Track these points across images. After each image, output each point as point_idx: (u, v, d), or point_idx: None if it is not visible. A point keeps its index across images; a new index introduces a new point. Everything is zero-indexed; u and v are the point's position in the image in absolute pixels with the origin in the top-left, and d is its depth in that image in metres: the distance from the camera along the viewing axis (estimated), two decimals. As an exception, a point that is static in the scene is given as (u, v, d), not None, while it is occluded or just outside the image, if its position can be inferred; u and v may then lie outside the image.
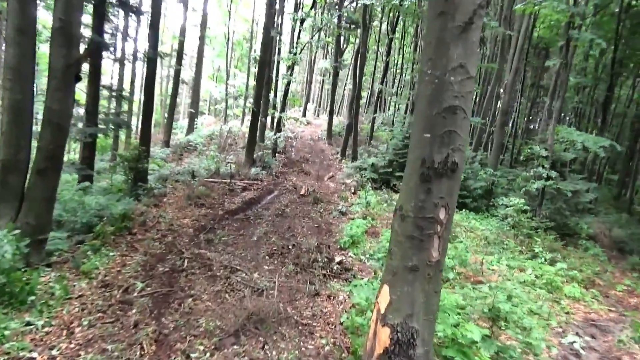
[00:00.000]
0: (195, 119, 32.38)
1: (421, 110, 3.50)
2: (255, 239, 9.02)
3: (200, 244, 8.33)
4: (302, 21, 21.19)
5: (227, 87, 34.96)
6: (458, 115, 3.36)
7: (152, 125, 39.28)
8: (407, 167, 3.71)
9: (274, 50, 22.96)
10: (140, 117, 14.47)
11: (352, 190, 15.92)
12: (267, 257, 7.72)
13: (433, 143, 3.38)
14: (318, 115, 47.11)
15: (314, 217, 11.75)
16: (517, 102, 20.60)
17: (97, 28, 12.47)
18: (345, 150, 24.14)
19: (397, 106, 28.69)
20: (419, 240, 3.43)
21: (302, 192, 15.04)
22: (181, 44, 22.89)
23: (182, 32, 22.90)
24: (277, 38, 22.63)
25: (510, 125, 22.26)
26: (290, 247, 8.32)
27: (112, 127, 13.17)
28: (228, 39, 38.23)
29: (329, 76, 50.16)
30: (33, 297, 4.86)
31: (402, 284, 3.47)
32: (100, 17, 12.55)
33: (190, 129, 29.76)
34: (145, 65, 13.73)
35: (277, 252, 7.95)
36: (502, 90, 17.69)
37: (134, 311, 5.06)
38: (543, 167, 13.13)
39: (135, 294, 5.59)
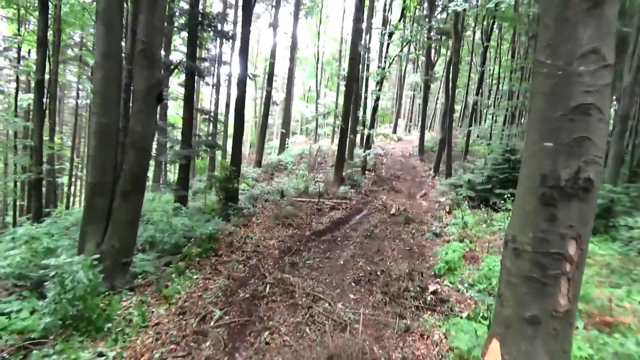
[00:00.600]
0: (287, 139, 33.06)
1: (539, 113, 2.70)
2: (341, 262, 8.46)
3: (284, 268, 7.96)
4: (391, 35, 20.64)
5: (317, 106, 35.32)
6: (592, 116, 2.51)
7: (246, 146, 40.94)
8: (520, 186, 2.92)
9: (361, 66, 22.60)
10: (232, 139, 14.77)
11: (447, 210, 14.78)
12: (353, 283, 7.10)
13: (557, 154, 2.56)
14: (409, 131, 45.91)
15: (405, 239, 10.92)
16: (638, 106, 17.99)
17: (191, 54, 12.96)
18: (439, 166, 22.88)
19: (494, 118, 26.73)
20: (541, 284, 2.59)
21: (393, 211, 14.27)
22: (272, 65, 23.44)
23: (273, 55, 23.47)
24: (365, 54, 22.27)
25: (628, 132, 19.54)
26: (378, 272, 7.62)
27: (205, 148, 13.55)
28: (318, 59, 38.85)
29: (420, 90, 48.90)
30: (110, 324, 4.74)
31: (519, 341, 2.64)
32: (193, 43, 13.04)
33: (282, 148, 30.32)
34: (236, 87, 14.03)
35: (364, 278, 7.29)
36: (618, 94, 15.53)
37: (207, 344, 4.73)
38: (681, 181, 11.07)
39: (212, 324, 5.28)
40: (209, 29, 13.62)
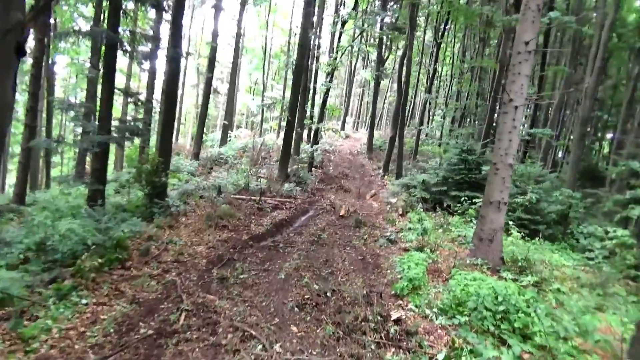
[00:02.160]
0: (230, 131, 31.01)
1: None
2: (282, 277, 6.93)
3: (210, 285, 6.31)
4: (343, 24, 19.34)
5: (263, 99, 33.51)
6: None
7: (187, 138, 38.35)
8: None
9: (311, 56, 21.12)
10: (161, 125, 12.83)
11: (400, 212, 13.65)
12: (296, 308, 5.57)
13: None
14: (357, 129, 45.11)
15: (357, 246, 9.57)
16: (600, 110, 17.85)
17: (113, 24, 10.93)
18: (388, 165, 21.90)
19: (445, 117, 26.22)
20: None
21: (342, 212, 12.92)
22: (213, 50, 21.43)
23: (214, 38, 21.44)
24: (316, 42, 20.81)
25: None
26: (328, 293, 6.15)
27: (127, 136, 11.54)
28: (265, 50, 36.96)
29: (369, 87, 48.24)
30: None
31: None
32: (115, 12, 11.01)
33: (224, 141, 28.31)
34: (167, 66, 12.12)
35: (311, 301, 5.79)
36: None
37: None
38: (645, 187, 10.55)
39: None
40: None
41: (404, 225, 11.79)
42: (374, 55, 44.28)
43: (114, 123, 11.63)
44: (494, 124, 21.89)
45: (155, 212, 11.36)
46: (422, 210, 13.32)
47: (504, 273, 7.70)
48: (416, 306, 5.92)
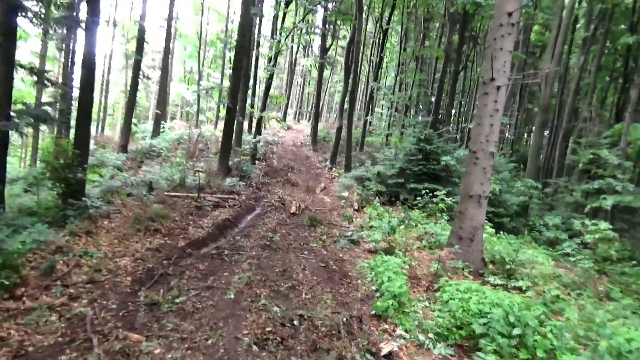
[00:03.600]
0: (163, 122, 28.48)
1: None
2: (232, 296, 5.46)
3: (134, 316, 4.72)
4: (288, 3, 17.83)
5: (199, 88, 31.18)
6: None
7: (115, 130, 35.10)
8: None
9: (252, 41, 19.42)
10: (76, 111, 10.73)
11: (355, 207, 12.51)
12: (254, 347, 4.13)
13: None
14: (298, 121, 43.74)
15: (316, 249, 8.25)
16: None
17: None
18: (335, 157, 20.79)
19: (393, 107, 25.48)
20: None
21: (293, 209, 11.56)
22: (142, 30, 19.16)
23: (143, 17, 19.18)
24: (257, 21, 19.14)
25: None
26: (295, 321, 4.75)
27: (31, 122, 9.42)
28: (200, 35, 34.53)
29: (310, 77, 46.98)
30: None
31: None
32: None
33: (156, 132, 25.89)
34: (84, 39, 10.06)
35: (274, 335, 4.35)
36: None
37: None
38: (614, 177, 10.08)
39: None
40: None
41: (363, 222, 10.64)
42: (315, 45, 43.16)
43: (16, 108, 9.48)
44: (440, 113, 21.42)
45: (70, 216, 9.39)
46: (378, 204, 12.26)
47: (489, 277, 6.73)
48: (406, 331, 4.70)
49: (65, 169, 9.78)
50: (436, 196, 11.71)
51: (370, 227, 9.99)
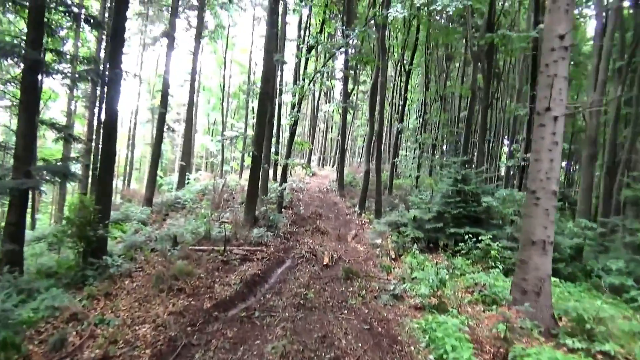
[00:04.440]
0: (187, 173, 28.42)
1: None
2: (266, 373, 4.63)
3: (152, 404, 3.94)
4: (310, 49, 17.73)
5: (223, 137, 31.33)
6: None
7: (142, 184, 35.26)
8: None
9: (275, 87, 19.30)
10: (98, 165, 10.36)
11: (392, 255, 11.59)
12: None
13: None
14: (323, 166, 43.38)
15: (357, 308, 7.35)
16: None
17: (33, 39, 8.74)
18: (365, 202, 20.00)
19: (420, 147, 24.81)
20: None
21: (325, 261, 10.72)
22: (166, 83, 19.28)
23: (167, 71, 19.36)
24: (280, 70, 19.06)
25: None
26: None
27: (51, 178, 9.04)
28: (223, 87, 35.14)
29: (332, 122, 47.04)
30: None
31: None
32: (37, 27, 8.83)
33: (181, 184, 25.73)
34: (106, 91, 9.87)
35: None
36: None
37: None
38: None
39: None
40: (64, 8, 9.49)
41: (403, 272, 9.70)
42: (337, 90, 43.44)
43: (37, 165, 9.16)
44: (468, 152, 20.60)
45: (89, 276, 8.80)
46: (417, 252, 11.33)
47: (565, 339, 5.69)
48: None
49: (86, 225, 9.31)
50: (480, 241, 10.75)
51: (413, 278, 9.05)
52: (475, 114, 23.22)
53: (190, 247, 11.36)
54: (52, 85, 21.99)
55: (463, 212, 12.00)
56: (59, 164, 9.63)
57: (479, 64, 20.64)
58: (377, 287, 8.62)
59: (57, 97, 23.08)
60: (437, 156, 24.74)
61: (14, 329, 5.49)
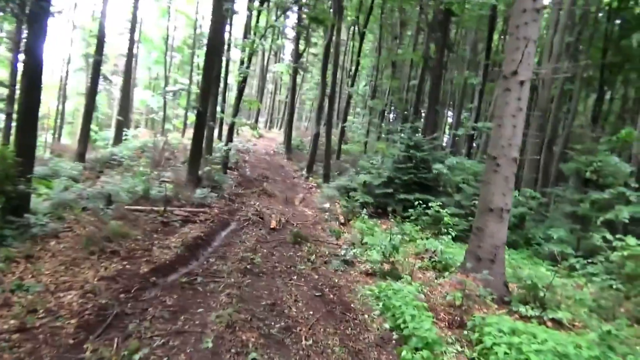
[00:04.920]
0: (125, 130, 26.63)
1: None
2: (209, 345, 4.19)
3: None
4: (263, 1, 16.65)
5: (165, 94, 29.48)
6: None
7: (59, 134, 32.66)
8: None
9: (224, 40, 18.08)
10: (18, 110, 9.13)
11: (341, 220, 11.36)
12: None
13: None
14: (270, 129, 42.42)
15: (306, 273, 7.03)
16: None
17: None
18: (312, 166, 19.65)
19: (370, 113, 24.57)
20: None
21: (273, 224, 10.29)
22: (101, 27, 17.54)
23: (103, 14, 17.57)
24: (230, 23, 17.87)
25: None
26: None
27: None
28: (167, 39, 32.89)
29: (281, 83, 45.82)
30: None
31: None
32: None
33: (118, 140, 24.12)
34: (28, 29, 8.58)
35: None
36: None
37: None
38: (627, 186, 9.34)
39: None
40: None
41: (353, 237, 9.49)
42: (286, 51, 42.12)
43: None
44: (422, 119, 20.65)
45: (8, 236, 7.84)
46: (366, 217, 11.15)
47: (517, 306, 5.66)
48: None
49: (4, 179, 8.24)
50: (430, 208, 10.71)
51: (363, 243, 8.84)
52: (425, 83, 23.20)
53: (126, 207, 10.50)
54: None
55: (414, 178, 11.92)
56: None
57: (432, 33, 20.47)
58: (326, 252, 8.33)
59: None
60: (385, 123, 24.62)
61: None
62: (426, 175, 11.99)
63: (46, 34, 8.82)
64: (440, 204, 10.69)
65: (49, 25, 8.92)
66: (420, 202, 10.89)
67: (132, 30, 25.58)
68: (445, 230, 8.72)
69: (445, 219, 9.46)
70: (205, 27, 28.75)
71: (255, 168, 19.98)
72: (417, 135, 12.83)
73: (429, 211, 10.66)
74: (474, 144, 18.08)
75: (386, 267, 7.08)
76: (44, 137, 31.75)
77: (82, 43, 36.65)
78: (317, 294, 6.05)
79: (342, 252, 8.03)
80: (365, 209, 11.79)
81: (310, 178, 18.57)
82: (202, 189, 12.63)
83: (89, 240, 7.64)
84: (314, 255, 7.99)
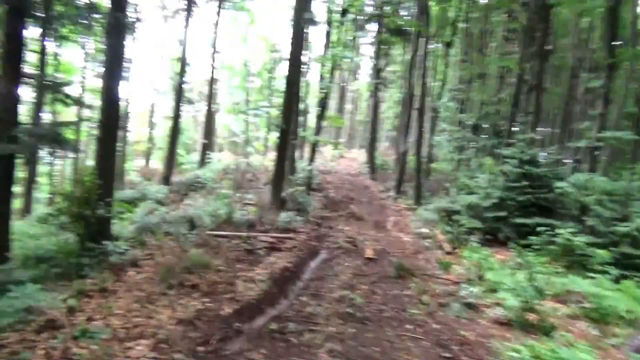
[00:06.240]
0: (209, 153, 26.91)
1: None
2: None
3: None
4: (344, 12, 15.75)
5: (247, 110, 29.60)
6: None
7: (146, 156, 33.73)
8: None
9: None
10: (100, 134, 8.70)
11: (446, 248, 9.76)
12: None
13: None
14: (349, 149, 41.45)
15: (421, 321, 5.57)
16: None
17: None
18: (400, 185, 18.14)
19: (461, 127, 22.64)
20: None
21: (369, 253, 8.95)
22: (183, 52, 17.60)
23: (184, 41, 17.62)
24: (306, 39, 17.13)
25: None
26: None
27: (41, 146, 7.47)
28: (246, 64, 33.41)
29: (359, 103, 44.89)
30: None
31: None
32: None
33: (202, 163, 24.26)
34: (107, 39, 8.16)
35: None
36: None
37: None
38: None
39: None
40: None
41: (467, 271, 7.87)
42: (364, 69, 41.20)
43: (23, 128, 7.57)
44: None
45: (85, 265, 7.25)
46: (478, 245, 9.47)
47: None
48: None
49: (83, 204, 7.74)
50: (556, 235, 8.79)
51: (482, 279, 7.21)
52: (522, 93, 20.92)
53: (208, 232, 9.75)
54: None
55: (532, 199, 10.03)
56: (52, 127, 8.05)
57: (526, 38, 18.41)
58: (438, 290, 6.81)
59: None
60: (479, 138, 22.54)
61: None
62: (546, 195, 10.06)
63: (124, 47, 8.39)
64: (571, 230, 8.75)
65: (132, 48, 8.55)
66: (545, 227, 9.00)
67: (213, 57, 25.98)
68: (592, 266, 6.80)
69: (602, 253, 7.50)
70: (284, 51, 28.71)
71: (339, 189, 18.85)
72: (531, 148, 10.96)
73: (556, 239, 8.75)
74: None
75: (529, 316, 5.42)
76: (135, 162, 33.06)
77: (168, 69, 38.37)
78: (445, 355, 4.58)
79: (461, 292, 6.46)
80: (472, 236, 10.09)
81: (400, 199, 17.07)
82: (286, 212, 11.65)
83: (167, 271, 6.79)
84: (426, 295, 6.51)
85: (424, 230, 11.48)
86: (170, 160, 18.20)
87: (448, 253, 9.52)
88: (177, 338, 4.62)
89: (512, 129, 17.76)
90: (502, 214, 10.16)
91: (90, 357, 4.07)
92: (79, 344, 4.34)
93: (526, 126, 16.17)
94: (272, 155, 16.50)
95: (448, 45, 21.46)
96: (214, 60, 25.41)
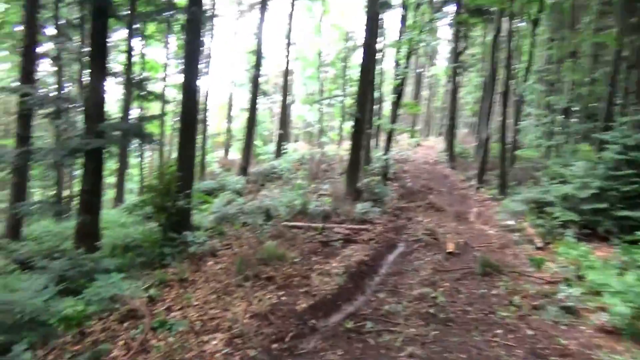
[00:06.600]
0: (284, 143, 27.28)
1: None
2: None
3: None
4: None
5: (321, 99, 29.59)
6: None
7: (226, 149, 34.83)
8: None
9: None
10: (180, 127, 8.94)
11: (538, 243, 8.92)
12: None
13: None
14: (426, 137, 40.12)
15: (513, 325, 5.02)
16: None
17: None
18: (482, 174, 17.04)
19: (550, 111, 20.80)
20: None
21: (450, 247, 8.39)
22: (259, 44, 17.75)
23: (259, 33, 17.77)
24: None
25: None
26: None
27: (125, 139, 7.80)
28: (320, 53, 33.29)
29: (436, 90, 43.22)
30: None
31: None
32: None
33: (278, 154, 24.59)
34: (185, 34, 8.32)
35: None
36: None
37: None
38: None
39: None
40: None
41: (564, 269, 7.08)
42: (441, 54, 39.50)
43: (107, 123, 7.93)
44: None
45: (167, 254, 7.48)
46: (574, 240, 8.54)
47: None
48: None
49: (165, 195, 7.98)
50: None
51: (582, 279, 6.44)
52: (621, 72, 18.77)
53: (283, 223, 9.72)
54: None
55: (638, 189, 8.85)
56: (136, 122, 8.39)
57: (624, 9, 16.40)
58: (531, 291, 6.15)
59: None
60: (570, 122, 20.64)
61: (44, 330, 4.09)
62: (657, 184, 8.83)
63: (200, 41, 8.50)
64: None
65: (210, 43, 8.66)
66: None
67: (288, 49, 26.13)
68: None
69: None
70: (358, 38, 28.15)
71: (417, 178, 18.16)
72: (638, 132, 9.68)
73: (672, 235, 7.63)
74: None
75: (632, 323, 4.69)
76: (215, 154, 34.38)
77: (244, 62, 39.38)
78: (544, 367, 4.05)
79: (558, 294, 5.78)
80: (567, 230, 9.12)
81: (482, 189, 16.06)
82: (362, 203, 11.34)
83: (243, 262, 6.78)
84: (517, 296, 5.90)
85: (511, 222, 10.62)
86: (248, 151, 18.58)
87: (539, 248, 8.68)
88: (252, 333, 4.52)
89: (611, 111, 16.05)
90: (603, 205, 9.05)
91: (166, 350, 4.08)
92: (157, 335, 4.39)
93: (626, 108, 14.57)
94: (347, 144, 16.22)
95: (535, 23, 19.70)
96: (288, 52, 25.52)
